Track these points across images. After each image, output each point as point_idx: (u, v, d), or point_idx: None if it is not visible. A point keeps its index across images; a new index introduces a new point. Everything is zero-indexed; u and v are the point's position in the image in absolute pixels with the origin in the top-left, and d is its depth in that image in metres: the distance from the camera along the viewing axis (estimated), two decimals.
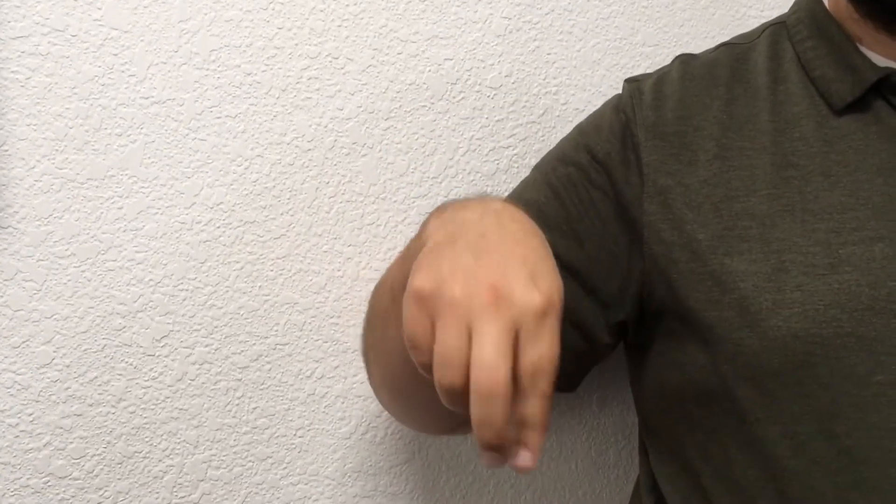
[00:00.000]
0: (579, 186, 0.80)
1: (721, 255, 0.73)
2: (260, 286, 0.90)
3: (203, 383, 0.89)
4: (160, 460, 0.88)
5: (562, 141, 0.86)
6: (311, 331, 0.92)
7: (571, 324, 0.77)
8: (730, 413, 0.73)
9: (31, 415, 0.84)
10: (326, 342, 0.93)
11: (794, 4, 0.82)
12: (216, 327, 0.89)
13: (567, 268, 0.76)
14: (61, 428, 0.85)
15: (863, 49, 0.76)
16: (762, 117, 0.77)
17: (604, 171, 0.79)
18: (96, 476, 0.86)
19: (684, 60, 0.84)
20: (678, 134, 0.78)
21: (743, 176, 0.75)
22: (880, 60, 0.75)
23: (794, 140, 0.75)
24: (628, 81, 0.84)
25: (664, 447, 0.82)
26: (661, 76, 0.83)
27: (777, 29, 0.82)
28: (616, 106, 0.83)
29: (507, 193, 0.91)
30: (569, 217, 0.79)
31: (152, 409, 0.88)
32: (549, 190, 0.81)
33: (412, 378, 0.64)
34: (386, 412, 0.94)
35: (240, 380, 0.90)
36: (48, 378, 0.84)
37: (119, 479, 0.87)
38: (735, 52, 0.82)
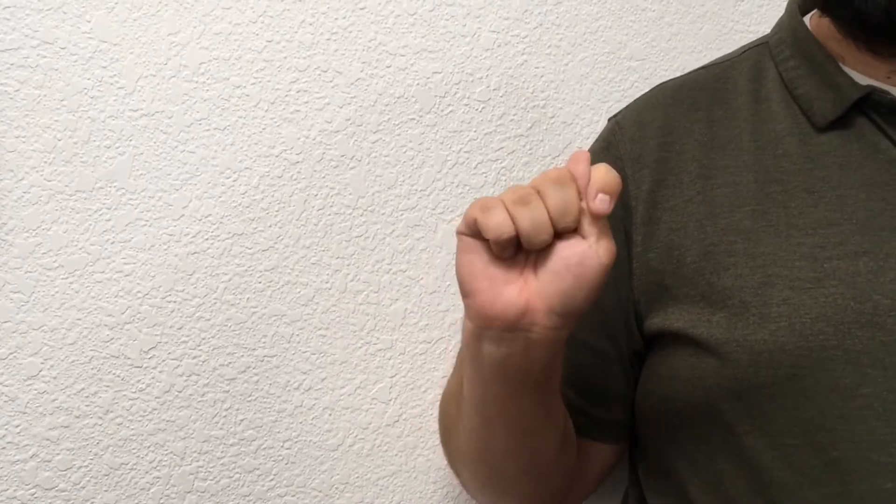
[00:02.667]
0: None
1: (709, 274, 0.74)
2: (248, 298, 0.91)
3: (190, 395, 0.89)
4: (147, 472, 0.88)
5: None
6: (298, 343, 0.92)
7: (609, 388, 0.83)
8: (717, 425, 0.74)
9: (17, 426, 0.84)
10: (314, 354, 0.93)
11: (777, 25, 0.83)
12: (204, 339, 0.89)
13: (588, 333, 0.81)
14: (48, 440, 0.85)
15: (845, 68, 0.76)
16: (744, 137, 0.78)
17: None
18: (83, 488, 0.86)
19: (664, 86, 0.85)
20: (662, 160, 0.79)
21: (727, 193, 0.76)
22: (862, 79, 0.76)
23: (777, 157, 0.76)
24: (609, 120, 0.85)
25: (653, 459, 0.82)
26: (640, 105, 0.84)
27: (759, 49, 0.83)
28: (600, 149, 0.84)
29: None
30: None
31: (139, 421, 0.88)
32: None
33: (505, 454, 0.78)
34: (373, 422, 0.95)
35: (227, 391, 0.90)
36: (35, 390, 0.84)
37: (106, 490, 0.87)
38: (714, 73, 0.83)
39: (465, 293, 0.67)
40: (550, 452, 0.79)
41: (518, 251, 0.66)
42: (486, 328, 0.67)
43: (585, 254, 0.64)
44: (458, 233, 0.66)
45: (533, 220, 0.63)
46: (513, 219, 0.64)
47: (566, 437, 0.81)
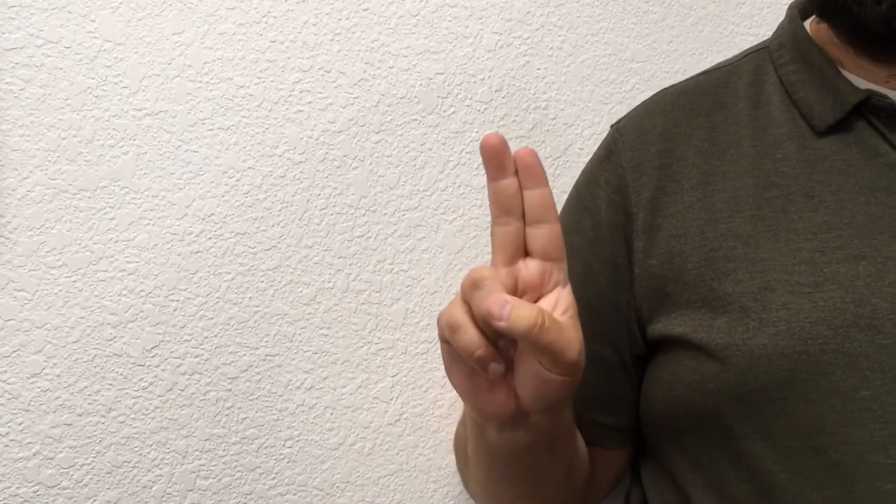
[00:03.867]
0: (583, 253, 0.82)
1: (709, 280, 0.74)
2: (250, 297, 0.91)
3: (193, 393, 0.89)
4: (149, 470, 0.88)
5: (563, 208, 0.88)
6: (300, 342, 0.93)
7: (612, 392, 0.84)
8: (719, 429, 0.74)
9: (20, 424, 0.84)
10: (316, 353, 0.93)
11: (777, 30, 0.84)
12: (206, 338, 0.89)
13: (591, 341, 0.81)
14: (51, 437, 0.85)
15: (844, 73, 0.77)
16: (744, 142, 0.78)
17: (603, 228, 0.81)
18: (85, 486, 0.86)
19: (665, 92, 0.86)
20: (663, 167, 0.79)
21: (726, 198, 0.76)
22: (861, 83, 0.76)
23: (776, 161, 0.76)
24: (611, 127, 0.85)
25: (655, 461, 0.83)
26: (641, 112, 0.84)
27: (760, 54, 0.83)
28: (602, 157, 0.84)
29: None
30: (578, 286, 0.82)
31: (142, 419, 0.88)
32: None
33: (517, 499, 0.80)
34: (374, 421, 0.95)
35: (229, 390, 0.90)
36: (38, 387, 0.85)
37: (108, 488, 0.87)
38: (715, 78, 0.84)
39: (460, 396, 0.66)
40: (564, 485, 0.80)
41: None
42: (485, 422, 0.68)
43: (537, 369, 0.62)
44: (441, 341, 0.64)
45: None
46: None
47: (578, 464, 0.81)
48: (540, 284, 0.63)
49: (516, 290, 0.63)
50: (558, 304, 0.63)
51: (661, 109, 0.83)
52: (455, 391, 0.67)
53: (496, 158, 0.61)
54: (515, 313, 0.58)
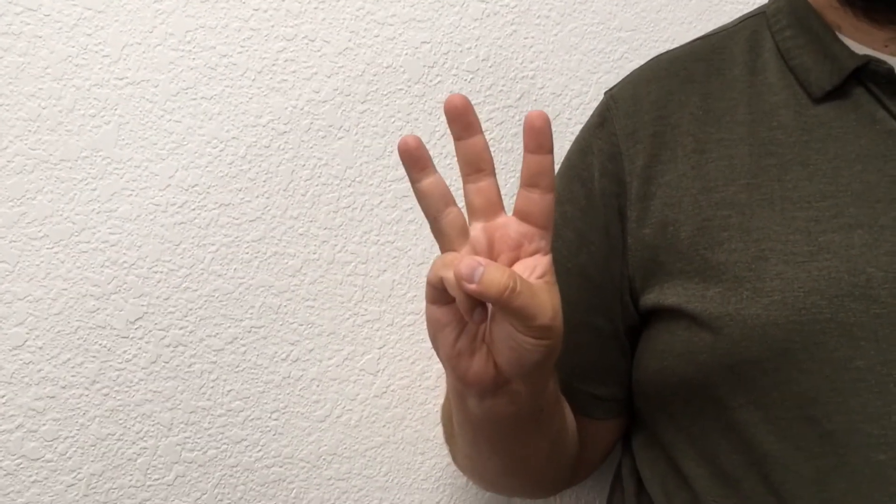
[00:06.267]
0: (576, 221, 0.81)
1: (703, 249, 0.74)
2: (235, 269, 0.90)
3: (177, 366, 0.89)
4: (134, 443, 0.88)
5: (556, 176, 0.87)
6: (286, 314, 0.92)
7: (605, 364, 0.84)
8: (711, 400, 0.74)
9: (3, 397, 0.84)
10: (301, 325, 0.93)
11: None
12: (191, 310, 0.89)
13: (583, 311, 0.81)
14: (34, 410, 0.85)
15: (842, 37, 0.76)
16: (740, 109, 0.77)
17: (595, 197, 0.80)
18: (69, 458, 0.86)
19: (659, 58, 0.84)
20: (657, 134, 0.78)
21: (721, 167, 0.75)
22: (859, 48, 0.75)
23: (772, 129, 0.75)
24: (605, 94, 0.84)
25: (647, 432, 0.82)
26: (635, 78, 0.83)
27: (756, 20, 0.82)
28: (595, 124, 0.83)
29: None
30: (570, 254, 0.81)
31: (126, 392, 0.87)
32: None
33: (503, 473, 0.80)
34: (361, 393, 0.95)
35: (214, 362, 0.90)
36: (21, 360, 0.84)
37: (92, 461, 0.87)
38: (711, 44, 0.82)
39: (443, 364, 0.67)
40: (551, 458, 0.80)
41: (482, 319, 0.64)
42: (466, 390, 0.68)
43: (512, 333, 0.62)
44: (428, 302, 0.64)
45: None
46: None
47: (566, 437, 0.81)
48: (518, 246, 0.63)
49: (493, 248, 0.64)
50: (535, 269, 0.63)
51: (655, 76, 0.82)
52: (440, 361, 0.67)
53: (461, 118, 0.63)
54: (487, 277, 0.58)
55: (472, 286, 0.58)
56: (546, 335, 0.62)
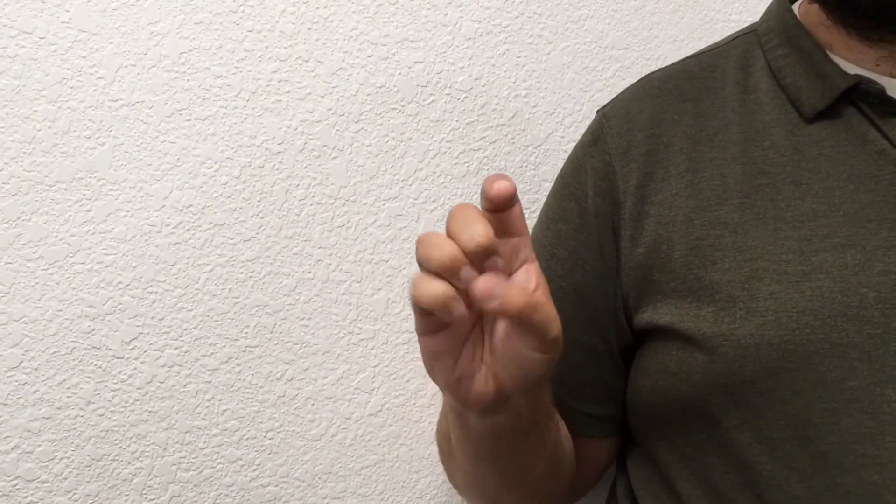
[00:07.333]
0: (570, 240, 0.81)
1: (696, 268, 0.74)
2: (230, 289, 0.90)
3: (172, 386, 0.89)
4: (129, 463, 0.88)
5: (549, 194, 0.87)
6: (281, 333, 0.92)
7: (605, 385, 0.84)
8: (705, 419, 0.73)
9: None
10: (296, 344, 0.93)
11: (765, 13, 0.83)
12: (186, 330, 0.89)
13: (578, 330, 0.81)
14: (29, 431, 0.85)
15: (833, 56, 0.76)
16: (732, 128, 0.77)
17: (590, 216, 0.80)
18: (65, 479, 0.86)
19: (651, 76, 0.85)
20: (650, 153, 0.78)
21: (714, 186, 0.75)
22: (850, 67, 0.75)
23: (764, 149, 0.75)
24: (598, 112, 0.84)
25: (641, 451, 0.82)
26: (628, 97, 0.83)
27: (748, 38, 0.82)
28: (588, 143, 0.83)
29: (477, 196, 0.91)
30: (564, 273, 0.81)
31: (121, 412, 0.87)
32: (545, 251, 0.82)
33: (501, 488, 0.81)
34: (356, 412, 0.95)
35: (209, 382, 0.90)
36: (16, 381, 0.84)
37: (88, 481, 0.87)
38: (703, 62, 0.83)
39: (441, 390, 0.67)
40: (549, 472, 0.80)
41: (475, 337, 0.64)
42: (467, 411, 0.67)
43: (516, 346, 0.62)
44: (420, 334, 0.63)
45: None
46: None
47: (562, 449, 0.81)
48: (509, 260, 0.63)
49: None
50: (530, 282, 0.62)
51: (647, 94, 0.82)
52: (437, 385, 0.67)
53: (501, 207, 0.60)
54: (509, 294, 0.57)
55: (495, 303, 0.57)
56: (554, 348, 0.61)
